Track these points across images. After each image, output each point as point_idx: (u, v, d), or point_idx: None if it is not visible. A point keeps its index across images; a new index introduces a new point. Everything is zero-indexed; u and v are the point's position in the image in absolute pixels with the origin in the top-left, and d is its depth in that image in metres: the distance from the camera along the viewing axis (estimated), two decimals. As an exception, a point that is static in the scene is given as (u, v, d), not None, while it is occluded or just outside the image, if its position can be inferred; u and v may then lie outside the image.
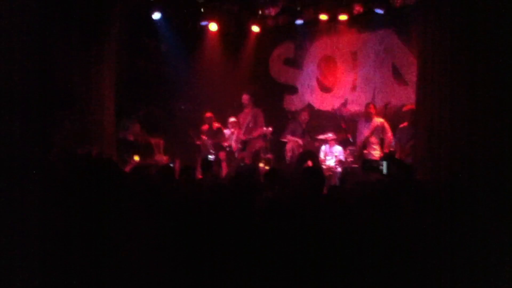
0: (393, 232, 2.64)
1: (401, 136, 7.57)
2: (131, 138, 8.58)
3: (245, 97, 8.32)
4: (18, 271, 2.39)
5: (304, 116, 8.84)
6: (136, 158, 8.24)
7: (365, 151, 7.78)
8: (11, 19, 4.24)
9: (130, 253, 2.62)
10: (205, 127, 8.82)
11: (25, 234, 2.50)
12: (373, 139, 7.72)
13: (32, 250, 2.52)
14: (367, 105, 8.06)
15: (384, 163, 5.21)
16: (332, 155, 8.27)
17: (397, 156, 7.26)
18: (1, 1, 4.26)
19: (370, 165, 5.40)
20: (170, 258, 2.71)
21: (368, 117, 7.90)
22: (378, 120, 7.72)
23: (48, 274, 2.45)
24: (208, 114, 8.83)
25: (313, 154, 5.71)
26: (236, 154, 8.09)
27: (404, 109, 7.99)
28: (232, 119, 8.98)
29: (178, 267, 2.73)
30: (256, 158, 8.19)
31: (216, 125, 8.76)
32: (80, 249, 2.48)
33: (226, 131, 8.69)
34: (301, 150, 8.18)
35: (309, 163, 4.93)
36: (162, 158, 8.79)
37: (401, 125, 7.73)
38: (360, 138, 7.98)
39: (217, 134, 8.58)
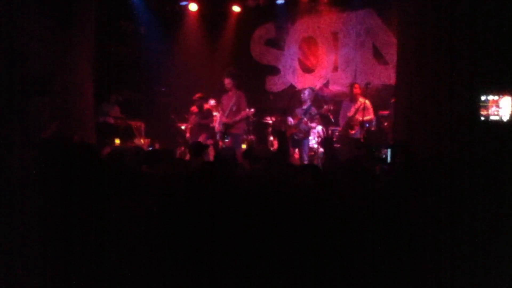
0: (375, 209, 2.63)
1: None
2: (111, 121, 8.47)
3: (227, 81, 8.05)
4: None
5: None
6: (117, 141, 8.15)
7: (351, 132, 7.76)
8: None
9: (110, 239, 2.59)
10: (194, 108, 8.63)
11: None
12: (355, 119, 7.73)
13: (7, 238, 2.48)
14: (352, 86, 7.96)
15: (389, 151, 5.23)
16: (313, 135, 8.26)
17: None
18: None
19: (376, 156, 5.47)
20: (148, 241, 2.69)
21: (353, 98, 7.85)
22: (362, 100, 7.69)
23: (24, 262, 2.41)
24: (198, 95, 8.56)
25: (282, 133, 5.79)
26: (218, 136, 7.97)
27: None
28: (212, 102, 8.87)
29: (158, 251, 2.71)
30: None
31: (207, 106, 8.58)
32: (57, 236, 2.44)
33: (215, 113, 8.49)
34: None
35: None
36: (142, 141, 8.72)
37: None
38: (344, 119, 7.96)
39: (207, 116, 8.43)
